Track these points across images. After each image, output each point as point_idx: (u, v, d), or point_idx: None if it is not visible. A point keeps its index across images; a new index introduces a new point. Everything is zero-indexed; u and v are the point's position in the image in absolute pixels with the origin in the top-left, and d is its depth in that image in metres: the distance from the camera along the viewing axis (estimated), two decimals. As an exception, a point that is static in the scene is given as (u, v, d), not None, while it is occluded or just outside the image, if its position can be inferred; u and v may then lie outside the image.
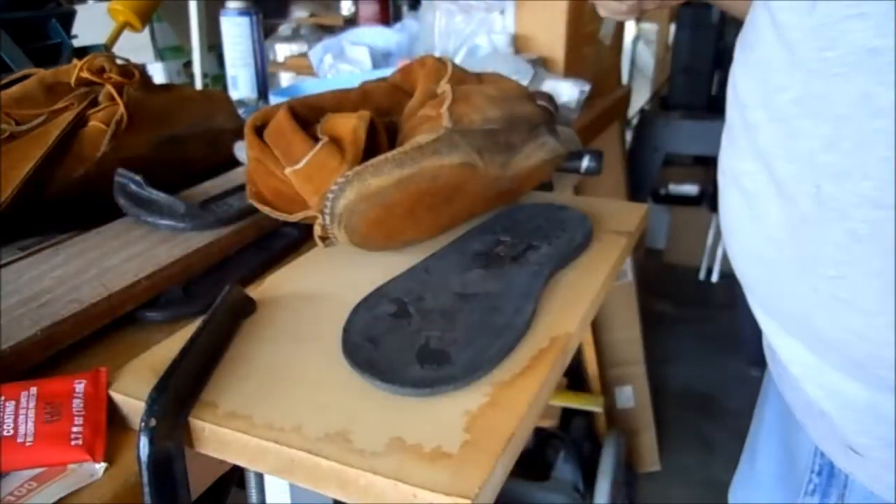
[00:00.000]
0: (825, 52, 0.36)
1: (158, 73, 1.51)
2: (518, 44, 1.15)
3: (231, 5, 1.07)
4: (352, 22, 2.09)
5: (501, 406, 0.37)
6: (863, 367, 0.39)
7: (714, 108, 2.12)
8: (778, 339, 0.46)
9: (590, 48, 1.24)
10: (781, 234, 0.40)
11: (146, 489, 0.34)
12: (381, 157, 0.50)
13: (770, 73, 0.40)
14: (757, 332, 0.49)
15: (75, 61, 0.65)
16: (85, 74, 0.65)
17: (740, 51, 0.44)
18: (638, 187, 2.04)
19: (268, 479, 0.65)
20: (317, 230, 0.53)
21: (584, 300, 0.49)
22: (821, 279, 0.38)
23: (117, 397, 0.39)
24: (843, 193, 0.36)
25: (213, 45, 1.33)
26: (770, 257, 0.42)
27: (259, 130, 0.55)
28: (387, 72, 0.69)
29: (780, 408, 0.56)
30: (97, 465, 0.36)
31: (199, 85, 1.37)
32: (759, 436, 0.61)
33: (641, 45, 2.95)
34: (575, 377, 1.73)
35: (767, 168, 0.40)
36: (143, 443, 0.34)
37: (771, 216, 0.41)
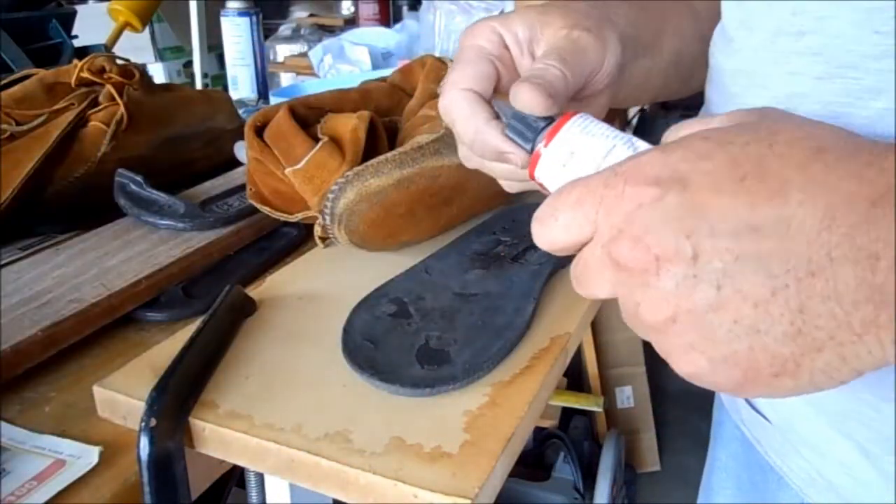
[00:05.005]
0: None
1: (158, 73, 1.52)
2: (518, 44, 1.15)
3: (231, 5, 1.07)
4: (352, 22, 2.09)
5: (501, 406, 0.37)
6: None
7: (714, 108, 2.11)
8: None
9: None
10: None
11: (146, 489, 0.34)
12: (381, 157, 0.50)
13: None
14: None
15: (75, 61, 0.65)
16: (85, 74, 0.65)
17: None
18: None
19: (268, 479, 0.65)
20: (317, 230, 0.53)
21: (583, 300, 0.49)
22: None
23: (117, 397, 0.39)
24: None
25: (213, 45, 1.33)
26: None
27: (259, 130, 0.55)
28: (387, 72, 0.69)
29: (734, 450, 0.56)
30: (93, 450, 0.36)
31: (199, 85, 1.37)
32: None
33: (641, 45, 2.94)
34: (575, 377, 1.73)
35: None
36: (143, 443, 0.34)
37: None
